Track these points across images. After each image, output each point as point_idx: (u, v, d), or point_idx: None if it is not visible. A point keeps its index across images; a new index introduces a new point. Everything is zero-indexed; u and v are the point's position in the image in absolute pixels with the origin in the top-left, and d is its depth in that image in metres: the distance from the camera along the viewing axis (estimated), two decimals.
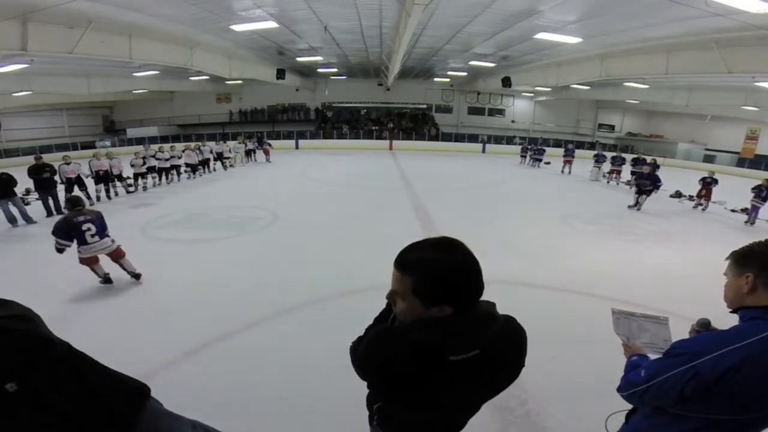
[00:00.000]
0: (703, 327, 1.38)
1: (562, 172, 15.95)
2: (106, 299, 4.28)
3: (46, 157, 8.87)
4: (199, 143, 14.33)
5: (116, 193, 10.11)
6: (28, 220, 7.42)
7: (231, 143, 15.12)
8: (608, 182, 14.06)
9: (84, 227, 4.30)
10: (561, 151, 17.40)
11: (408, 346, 0.97)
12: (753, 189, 9.04)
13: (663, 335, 1.48)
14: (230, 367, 3.15)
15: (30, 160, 8.37)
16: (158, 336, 3.57)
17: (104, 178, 9.50)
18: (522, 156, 19.66)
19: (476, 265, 0.98)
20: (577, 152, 17.12)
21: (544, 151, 18.47)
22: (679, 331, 1.47)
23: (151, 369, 3.00)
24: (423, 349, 0.97)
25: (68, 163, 8.84)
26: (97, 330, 3.62)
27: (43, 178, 7.94)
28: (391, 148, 24.00)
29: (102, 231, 4.46)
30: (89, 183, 9.20)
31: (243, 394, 2.83)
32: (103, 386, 0.97)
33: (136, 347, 3.32)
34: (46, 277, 4.80)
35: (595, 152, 15.70)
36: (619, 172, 13.93)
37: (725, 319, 1.33)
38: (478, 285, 0.99)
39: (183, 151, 12.96)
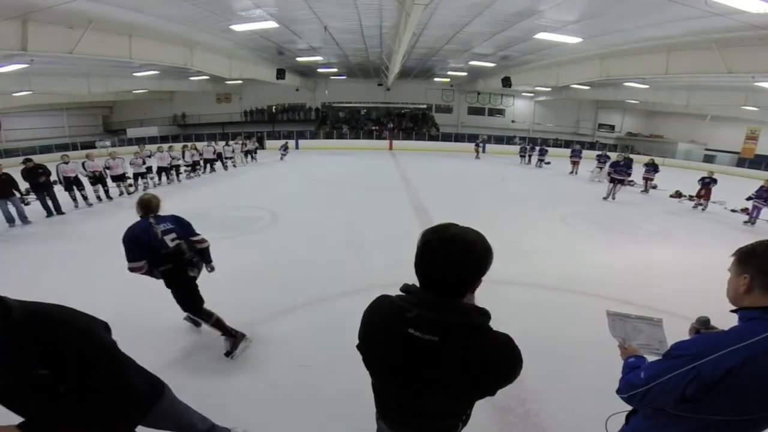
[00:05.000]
0: (703, 325, 1.37)
1: (571, 173, 16.03)
2: (105, 303, 4.27)
3: (46, 158, 8.85)
4: (195, 144, 14.31)
5: (123, 193, 10.15)
6: (24, 220, 7.34)
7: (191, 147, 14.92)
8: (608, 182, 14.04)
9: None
10: (561, 151, 17.38)
11: (380, 301, 1.19)
12: (756, 191, 9.01)
13: (658, 336, 1.49)
14: (230, 368, 3.15)
15: None
16: (158, 337, 3.57)
17: (99, 179, 9.42)
18: (521, 156, 19.70)
19: (436, 253, 0.99)
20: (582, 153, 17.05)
21: (547, 151, 18.52)
22: (679, 331, 1.47)
23: (152, 370, 2.99)
24: (386, 300, 1.15)
25: (67, 162, 8.80)
26: None
27: (39, 182, 7.80)
28: (391, 148, 23.99)
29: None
30: (87, 183, 9.17)
31: (243, 394, 2.83)
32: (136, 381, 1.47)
33: (134, 349, 3.30)
34: (45, 277, 4.81)
35: (598, 153, 15.70)
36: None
37: (725, 319, 1.32)
38: (430, 269, 1.01)
39: (181, 150, 13.00)
